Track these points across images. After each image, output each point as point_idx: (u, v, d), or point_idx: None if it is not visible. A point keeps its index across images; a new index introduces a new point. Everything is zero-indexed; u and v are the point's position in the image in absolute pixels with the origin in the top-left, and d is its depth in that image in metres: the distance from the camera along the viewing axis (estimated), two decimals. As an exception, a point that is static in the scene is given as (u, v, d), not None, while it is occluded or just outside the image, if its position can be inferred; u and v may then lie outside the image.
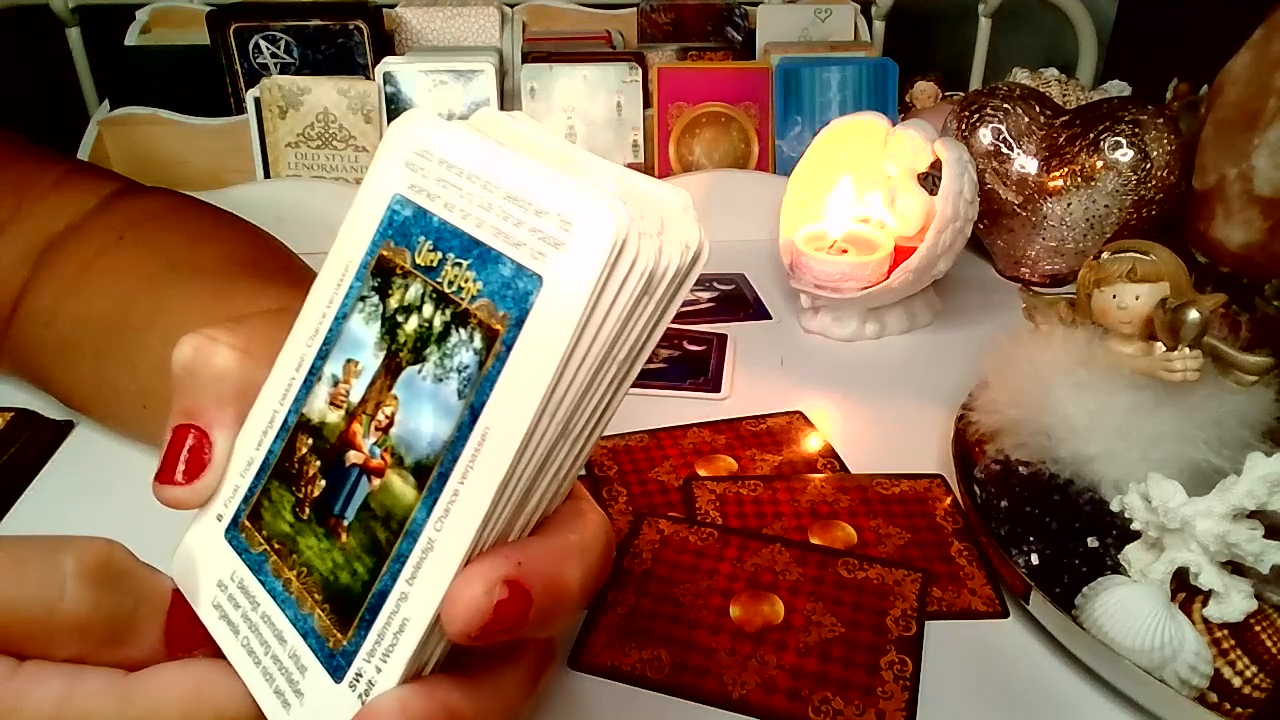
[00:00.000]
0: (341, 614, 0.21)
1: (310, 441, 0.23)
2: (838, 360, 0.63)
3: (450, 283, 0.21)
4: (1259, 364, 0.42)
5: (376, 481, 0.21)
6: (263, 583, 0.23)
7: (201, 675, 0.22)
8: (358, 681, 0.21)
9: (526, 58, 0.80)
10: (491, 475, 0.19)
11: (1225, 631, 0.38)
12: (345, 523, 0.22)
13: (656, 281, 0.19)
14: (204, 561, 0.24)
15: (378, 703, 0.20)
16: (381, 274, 0.22)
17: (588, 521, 0.22)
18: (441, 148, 0.22)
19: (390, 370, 0.22)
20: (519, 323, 0.19)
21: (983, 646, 0.40)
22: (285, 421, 0.23)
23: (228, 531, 0.24)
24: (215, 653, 0.23)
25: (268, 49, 0.78)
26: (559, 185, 0.19)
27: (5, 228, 0.47)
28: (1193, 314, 0.41)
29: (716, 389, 0.58)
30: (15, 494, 0.47)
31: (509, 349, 0.19)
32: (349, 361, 0.22)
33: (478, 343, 0.20)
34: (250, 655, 0.23)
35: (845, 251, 0.63)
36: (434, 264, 0.21)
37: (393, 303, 0.22)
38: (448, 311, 0.21)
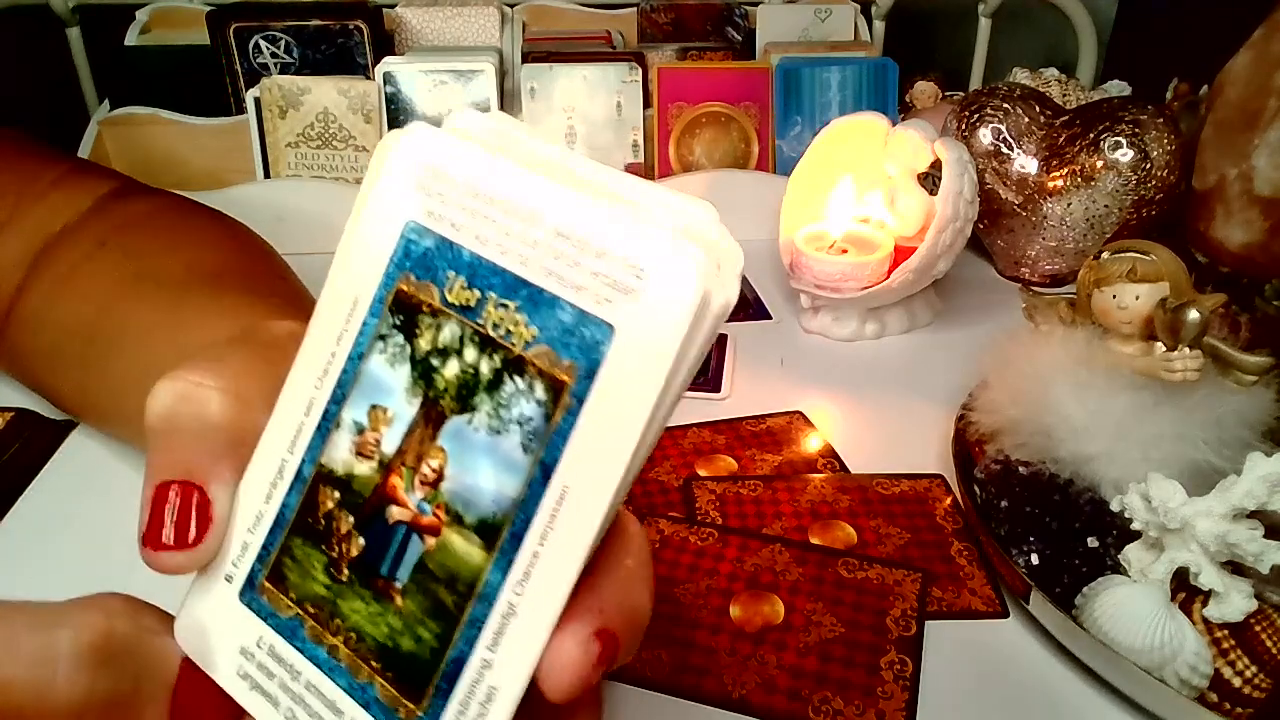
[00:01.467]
0: (408, 683, 0.20)
1: (337, 495, 0.21)
2: (838, 360, 0.63)
3: (496, 325, 0.19)
4: (1259, 364, 0.42)
5: (432, 541, 0.20)
6: (300, 650, 0.21)
7: None
8: None
9: (526, 58, 0.80)
10: (579, 537, 0.18)
11: (1225, 631, 0.38)
12: (398, 584, 0.20)
13: (718, 322, 0.18)
14: (219, 628, 0.22)
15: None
16: (404, 311, 0.20)
17: (632, 536, 0.21)
18: (462, 171, 0.20)
19: (431, 420, 0.20)
20: (589, 374, 0.18)
21: (983, 646, 0.40)
22: (300, 472, 0.22)
23: (243, 594, 0.22)
24: None
25: (268, 49, 0.78)
26: (620, 224, 0.18)
27: (4, 227, 0.46)
28: (1193, 314, 0.41)
29: (716, 389, 0.58)
30: (15, 494, 0.47)
31: (580, 402, 0.18)
32: (375, 408, 0.21)
33: (540, 393, 0.19)
34: None
35: (845, 251, 0.63)
36: (471, 303, 0.20)
37: (423, 344, 0.20)
38: (497, 358, 0.19)
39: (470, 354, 0.20)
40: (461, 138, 0.20)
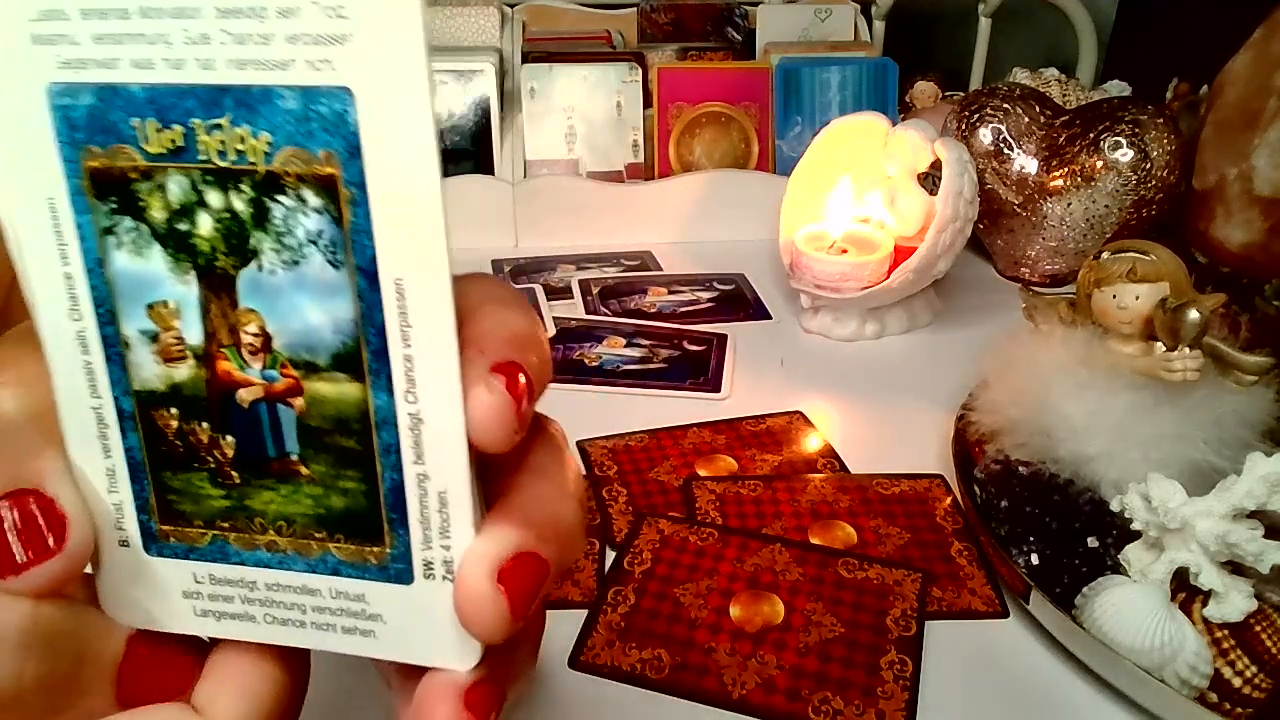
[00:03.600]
0: (360, 533, 0.19)
1: (175, 411, 0.19)
2: (838, 360, 0.63)
3: (221, 153, 0.17)
4: (1259, 364, 0.42)
5: (299, 401, 0.18)
6: (242, 563, 0.20)
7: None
8: (431, 568, 0.19)
9: (526, 58, 0.80)
10: (440, 319, 0.17)
11: (1225, 631, 0.37)
12: (294, 457, 0.19)
13: None
14: (149, 589, 0.21)
15: (474, 565, 0.18)
16: (111, 191, 0.17)
17: (495, 291, 0.20)
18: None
19: (218, 287, 0.18)
20: (354, 152, 0.16)
21: (983, 646, 0.40)
22: (121, 410, 0.19)
23: (149, 549, 0.20)
24: (182, 699, 0.20)
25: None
26: None
27: None
28: (1193, 314, 0.41)
29: (716, 389, 0.58)
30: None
31: (361, 185, 0.16)
32: (152, 307, 0.18)
33: (314, 200, 0.16)
34: (285, 626, 0.20)
35: (845, 251, 0.63)
36: (178, 142, 0.17)
37: (156, 214, 0.17)
38: (245, 186, 0.17)
39: (214, 198, 0.17)
40: None
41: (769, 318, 0.68)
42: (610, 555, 0.44)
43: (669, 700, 0.37)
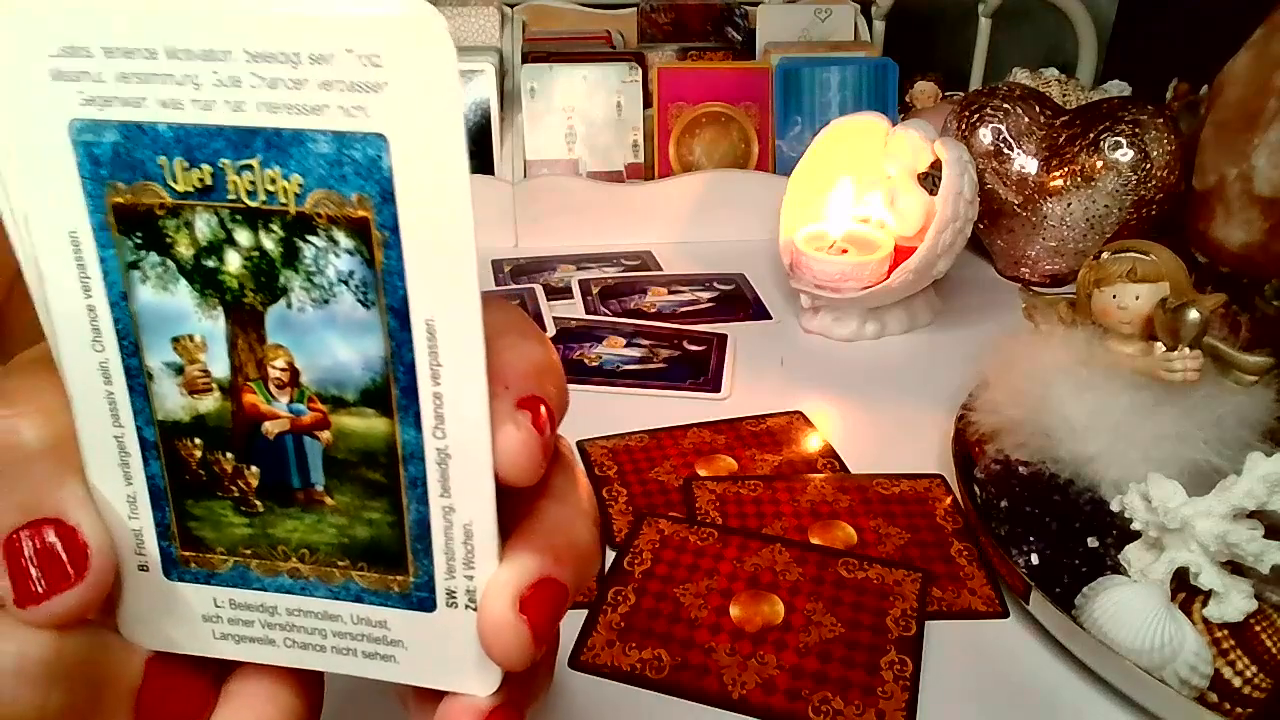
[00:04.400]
0: (384, 562, 0.19)
1: (199, 441, 0.19)
2: (838, 360, 0.63)
3: (251, 194, 0.17)
4: (1259, 364, 0.42)
5: (326, 434, 0.18)
6: (264, 589, 0.20)
7: None
8: (455, 598, 0.19)
9: (526, 58, 0.80)
10: (470, 357, 0.17)
11: (1225, 631, 0.37)
12: (319, 488, 0.19)
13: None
14: (168, 614, 0.21)
15: (498, 595, 0.18)
16: (135, 225, 0.17)
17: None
18: (94, 34, 0.16)
19: (246, 322, 0.18)
20: (387, 196, 0.16)
21: (983, 646, 0.40)
22: (143, 439, 0.19)
23: (169, 574, 0.20)
24: None
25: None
26: (313, 20, 0.15)
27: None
28: (1193, 314, 0.41)
29: (716, 389, 0.58)
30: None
31: (394, 230, 0.16)
32: (177, 340, 0.18)
33: (346, 242, 0.17)
34: (305, 650, 0.20)
35: (845, 251, 0.63)
36: (206, 182, 0.17)
37: (183, 250, 0.17)
38: (275, 226, 0.17)
39: (243, 236, 0.17)
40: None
41: (769, 318, 0.68)
42: (610, 555, 0.44)
43: (669, 700, 0.37)
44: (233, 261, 0.17)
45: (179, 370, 0.18)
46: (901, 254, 0.63)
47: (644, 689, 0.38)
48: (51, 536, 0.18)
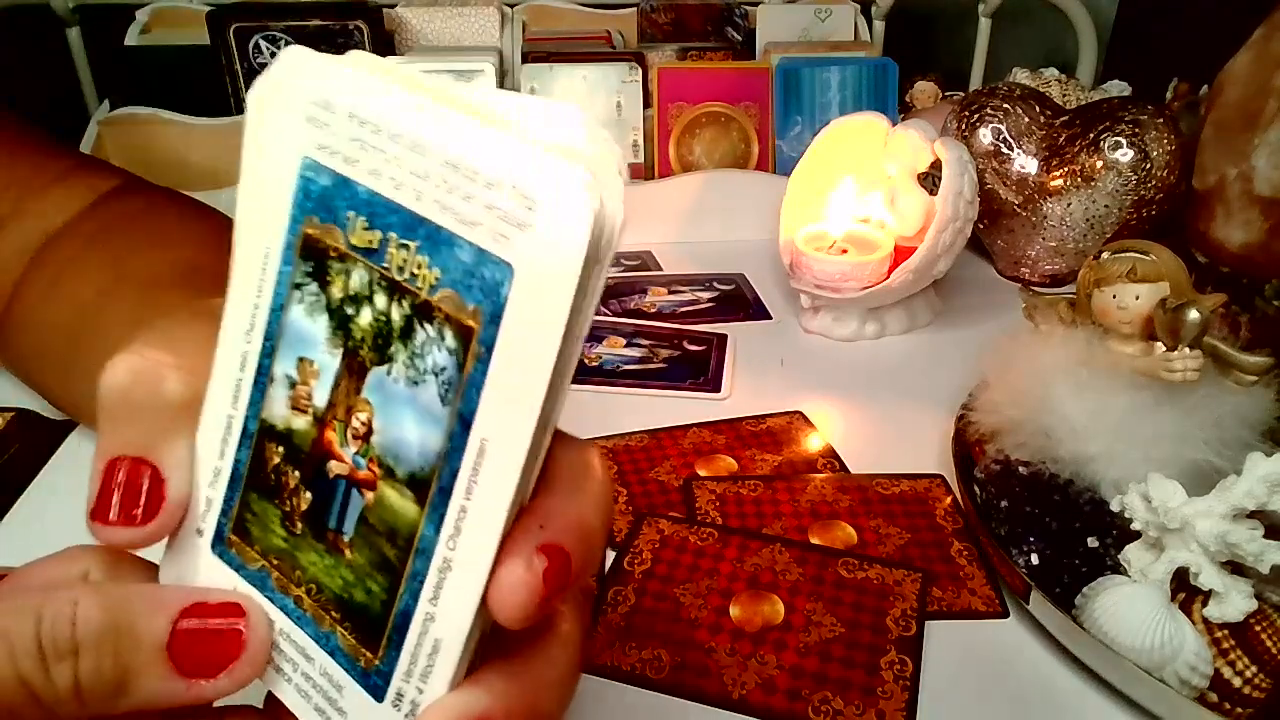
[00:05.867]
0: (365, 633, 0.20)
1: (281, 450, 0.21)
2: (838, 360, 0.63)
3: (400, 269, 0.19)
4: (1259, 364, 0.42)
5: (370, 495, 0.20)
6: (271, 599, 0.22)
7: None
8: (400, 701, 0.20)
9: (526, 58, 0.80)
10: (501, 491, 0.18)
11: (1225, 631, 0.37)
12: (346, 538, 0.20)
13: (611, 243, 0.17)
14: (199, 580, 0.23)
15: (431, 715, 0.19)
16: (313, 257, 0.20)
17: (590, 465, 0.21)
18: (347, 98, 0.19)
19: (354, 371, 0.20)
20: (495, 319, 0.17)
21: (983, 646, 0.40)
22: (245, 428, 0.22)
23: (214, 547, 0.22)
24: (248, 677, 0.22)
25: (268, 49, 0.78)
26: (505, 150, 0.17)
27: (5, 222, 0.46)
28: (1193, 314, 0.41)
29: (716, 389, 0.58)
30: (15, 494, 0.47)
31: (489, 350, 0.18)
32: (302, 360, 0.21)
33: (450, 341, 0.18)
34: (279, 673, 0.22)
35: (845, 251, 0.63)
36: (374, 245, 0.19)
37: (335, 291, 0.20)
38: (405, 303, 0.19)
39: (380, 301, 0.19)
40: (351, 65, 0.19)
41: (769, 318, 0.68)
42: (610, 555, 0.44)
43: (669, 700, 0.37)
44: (365, 317, 0.19)
45: (292, 385, 0.21)
46: (901, 254, 0.62)
47: (644, 689, 0.38)
48: (144, 479, 0.21)
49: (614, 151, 0.18)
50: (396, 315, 0.19)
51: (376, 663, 0.20)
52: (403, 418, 0.19)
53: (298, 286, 0.20)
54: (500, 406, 0.18)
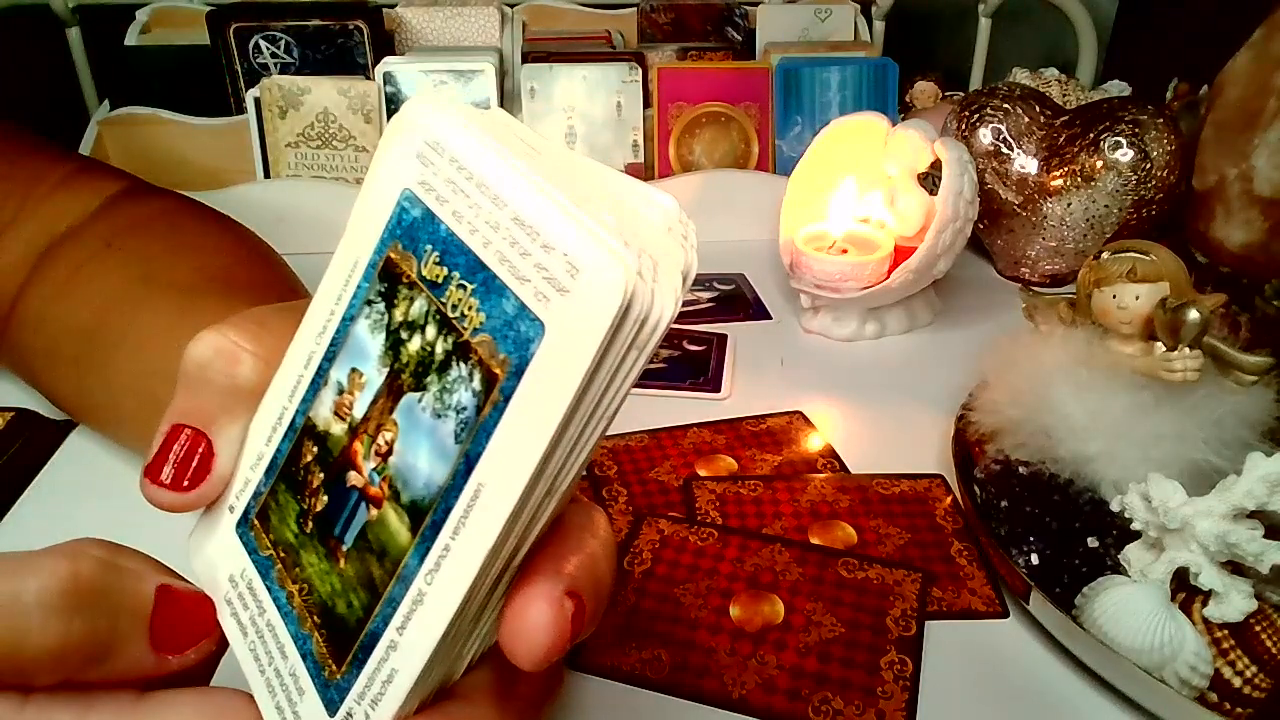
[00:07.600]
0: (337, 644, 0.21)
1: (315, 450, 0.22)
2: (838, 360, 0.63)
3: (454, 306, 0.20)
4: (1259, 364, 0.42)
5: (374, 512, 0.21)
6: (269, 589, 0.23)
7: (221, 706, 0.21)
8: None
9: (526, 58, 0.80)
10: (481, 539, 0.19)
11: (1225, 631, 0.37)
12: (344, 548, 0.21)
13: (649, 334, 0.18)
14: (218, 553, 0.24)
15: None
16: (389, 278, 0.21)
17: (597, 523, 0.22)
18: (454, 144, 0.20)
19: (392, 391, 0.21)
20: (518, 372, 0.18)
21: (983, 646, 0.40)
22: (293, 422, 0.23)
23: (238, 526, 0.24)
24: (209, 652, 0.23)
25: (268, 49, 0.78)
26: (567, 220, 0.18)
27: (8, 228, 0.46)
28: (1193, 314, 0.41)
29: (716, 389, 0.58)
30: (15, 494, 0.47)
31: (506, 400, 0.18)
32: (354, 371, 0.22)
33: (477, 384, 0.19)
34: (256, 661, 0.22)
35: (845, 251, 0.63)
36: (439, 279, 0.20)
37: (398, 314, 0.21)
38: (449, 339, 0.20)
39: (430, 332, 0.20)
40: (468, 116, 0.21)
41: (769, 318, 0.68)
42: (610, 555, 0.44)
43: (669, 700, 0.37)
44: (414, 344, 0.21)
45: (340, 391, 0.22)
46: (901, 254, 0.62)
47: (644, 689, 0.38)
48: (200, 449, 0.23)
49: (685, 253, 0.20)
50: (440, 348, 0.20)
51: (339, 677, 0.21)
52: (420, 446, 0.20)
53: (369, 303, 0.22)
54: (502, 457, 0.19)
